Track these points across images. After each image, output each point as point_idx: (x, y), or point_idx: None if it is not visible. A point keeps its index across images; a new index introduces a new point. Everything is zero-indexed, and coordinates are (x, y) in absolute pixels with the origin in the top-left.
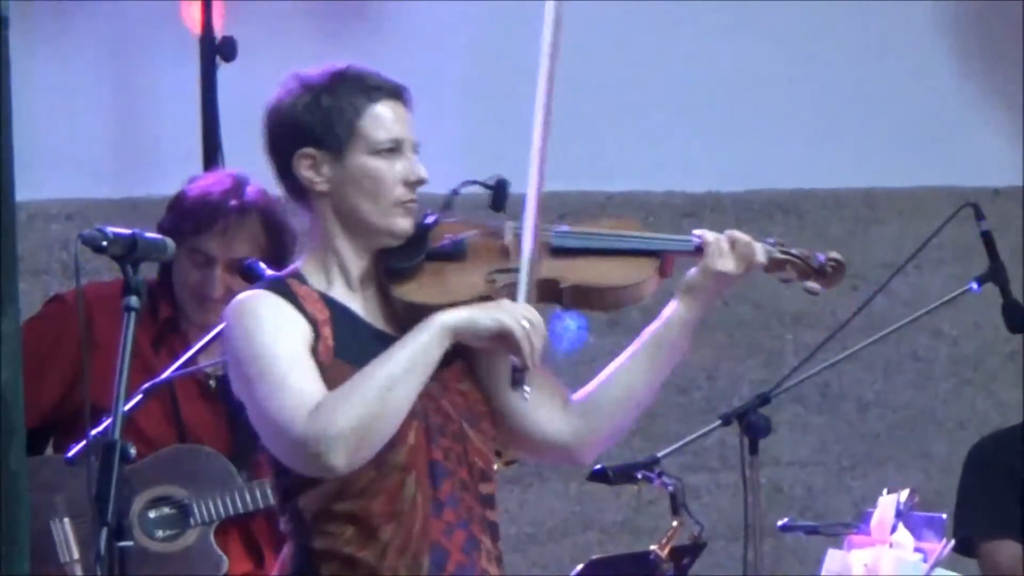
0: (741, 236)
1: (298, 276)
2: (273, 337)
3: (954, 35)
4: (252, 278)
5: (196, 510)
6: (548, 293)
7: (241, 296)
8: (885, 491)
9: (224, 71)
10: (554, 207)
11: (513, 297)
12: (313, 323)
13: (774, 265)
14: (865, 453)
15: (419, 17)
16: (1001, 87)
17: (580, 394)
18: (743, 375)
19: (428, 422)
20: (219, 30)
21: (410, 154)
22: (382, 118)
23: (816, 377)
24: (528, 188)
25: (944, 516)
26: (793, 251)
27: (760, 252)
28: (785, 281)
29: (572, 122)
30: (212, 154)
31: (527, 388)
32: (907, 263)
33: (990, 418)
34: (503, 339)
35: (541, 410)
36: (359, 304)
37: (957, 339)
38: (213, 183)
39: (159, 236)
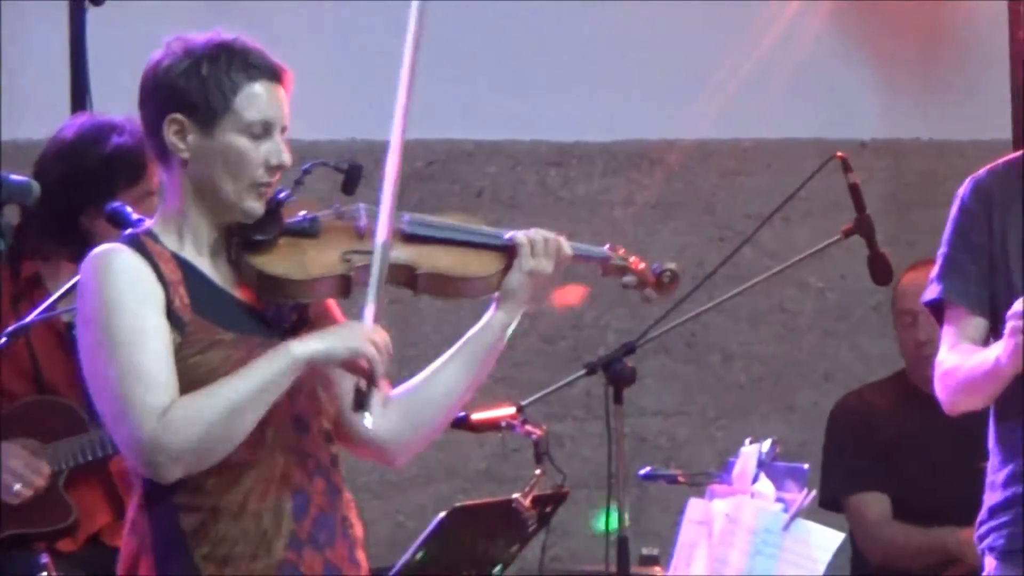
0: (548, 235)
1: (151, 235)
2: (128, 304)
3: None
4: (119, 223)
5: (47, 458)
6: (403, 279)
7: (99, 251)
8: (748, 441)
9: (93, 14)
10: (421, 155)
11: (366, 282)
12: (167, 284)
13: (613, 270)
14: (730, 403)
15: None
16: (869, 40)
17: (398, 391)
18: (608, 324)
19: None
20: None
21: (278, 137)
22: (258, 98)
23: (682, 327)
24: (386, 175)
25: (806, 467)
26: (631, 259)
27: (567, 246)
28: (626, 287)
29: (439, 70)
30: (80, 99)
31: (369, 413)
32: (774, 214)
33: (854, 369)
34: (355, 364)
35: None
36: (209, 268)
37: (823, 291)
38: (107, 130)
39: (23, 179)
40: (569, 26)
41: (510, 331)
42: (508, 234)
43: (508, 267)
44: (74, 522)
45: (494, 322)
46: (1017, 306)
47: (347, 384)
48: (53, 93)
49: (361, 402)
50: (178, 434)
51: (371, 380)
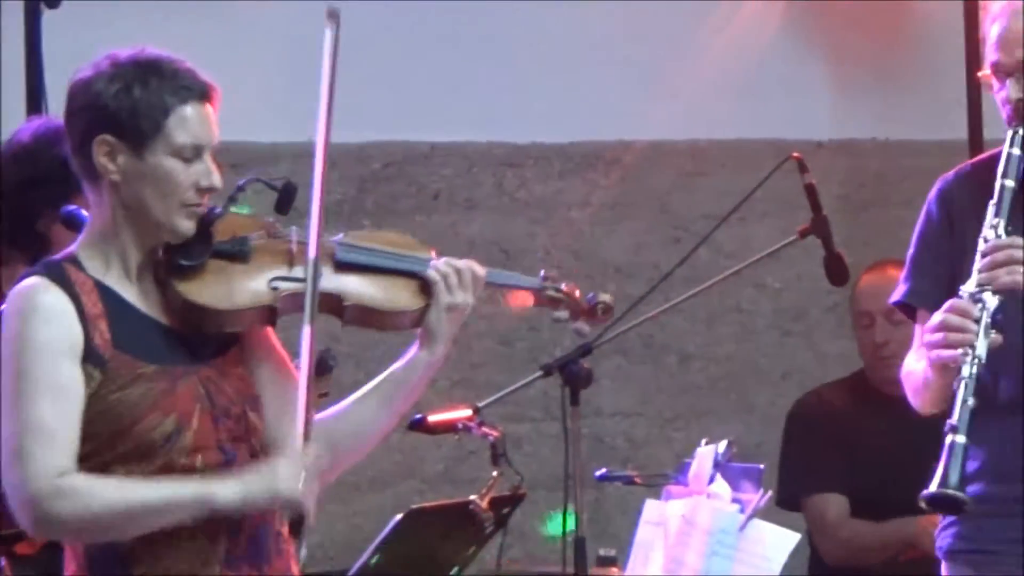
0: (459, 264)
1: (75, 261)
2: (44, 356)
3: None
4: (75, 226)
5: None
6: (330, 307)
7: (24, 289)
8: (703, 442)
9: (48, 17)
10: (378, 157)
11: (299, 307)
12: (87, 321)
13: (546, 301)
14: (687, 404)
15: None
16: (825, 40)
17: (321, 416)
18: (565, 325)
19: (213, 404)
20: None
21: (208, 159)
22: (188, 121)
23: (639, 328)
24: (313, 199)
25: (762, 467)
26: (563, 288)
27: (480, 270)
28: (557, 321)
29: (396, 71)
30: (36, 101)
31: (304, 549)
32: (730, 215)
33: (811, 370)
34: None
35: (284, 426)
36: (135, 294)
37: (780, 291)
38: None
39: None
40: (524, 27)
41: (434, 369)
42: (434, 262)
43: None
44: None
45: (416, 361)
46: (933, 319)
47: (274, 403)
48: (8, 96)
49: (296, 532)
50: (65, 505)
51: (303, 514)
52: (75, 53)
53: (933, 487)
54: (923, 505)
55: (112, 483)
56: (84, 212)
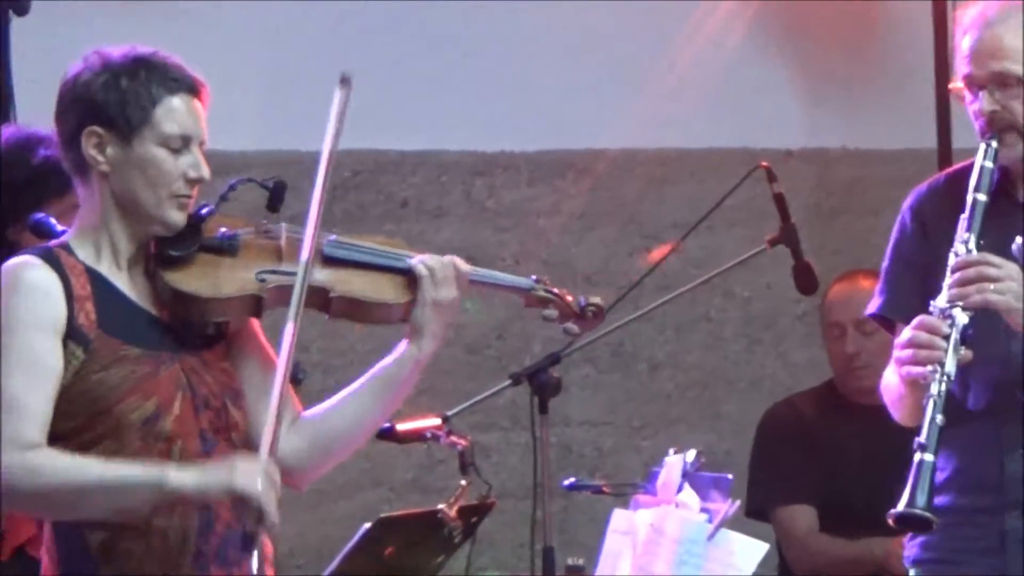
0: (443, 259)
1: (67, 247)
2: (25, 329)
3: None
4: (43, 234)
5: None
6: (317, 301)
7: (12, 264)
8: (672, 451)
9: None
10: (347, 165)
11: (284, 301)
12: (73, 300)
13: (537, 302)
14: (656, 413)
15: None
16: (794, 50)
17: (309, 414)
18: (534, 334)
19: (195, 393)
20: None
21: (196, 151)
22: (176, 111)
23: (608, 337)
24: (313, 199)
25: (731, 476)
26: (555, 291)
27: (464, 265)
28: (546, 320)
29: (365, 80)
30: (3, 109)
31: (256, 555)
32: (699, 223)
33: (780, 379)
34: (237, 501)
35: (263, 425)
36: (125, 282)
37: (749, 300)
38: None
39: None
40: (494, 35)
41: (423, 365)
42: (410, 263)
43: None
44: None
45: (404, 357)
46: (903, 335)
47: (259, 399)
48: None
49: (247, 543)
50: (28, 477)
51: (259, 519)
52: (43, 60)
53: (901, 506)
54: (891, 523)
55: (71, 460)
56: (53, 221)
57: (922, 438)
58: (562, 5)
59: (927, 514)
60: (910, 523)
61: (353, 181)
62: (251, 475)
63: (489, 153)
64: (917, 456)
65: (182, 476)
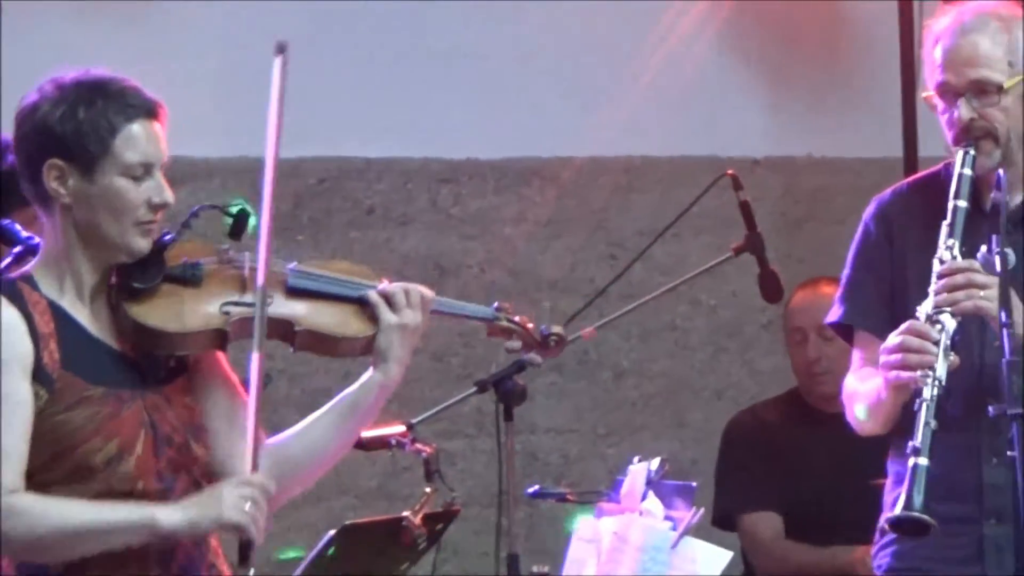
0: (407, 285)
1: (30, 280)
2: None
3: (713, 7)
4: (8, 240)
5: None
6: (281, 333)
7: None
8: (636, 459)
9: None
10: (313, 172)
11: (249, 333)
12: (38, 339)
13: (500, 332)
14: (621, 421)
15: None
16: (760, 58)
17: (273, 441)
18: (500, 341)
19: (156, 431)
20: None
21: (158, 175)
22: (136, 139)
23: (573, 344)
24: (263, 224)
25: (695, 485)
26: (516, 319)
27: (428, 292)
28: (509, 351)
29: (331, 87)
30: None
31: (252, 570)
32: (665, 231)
33: (746, 387)
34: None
35: (235, 452)
36: (87, 317)
37: (715, 308)
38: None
39: None
40: (460, 43)
41: (389, 391)
42: (380, 286)
43: None
44: None
45: (370, 383)
46: (890, 340)
47: (225, 428)
48: None
49: (244, 558)
50: (10, 521)
51: (249, 538)
52: (21, 66)
53: (897, 510)
54: (887, 528)
55: (59, 504)
56: (18, 227)
57: (916, 442)
58: (529, 13)
59: (925, 517)
60: (907, 527)
61: (319, 188)
62: (238, 504)
63: (455, 160)
64: (911, 460)
65: (171, 515)
